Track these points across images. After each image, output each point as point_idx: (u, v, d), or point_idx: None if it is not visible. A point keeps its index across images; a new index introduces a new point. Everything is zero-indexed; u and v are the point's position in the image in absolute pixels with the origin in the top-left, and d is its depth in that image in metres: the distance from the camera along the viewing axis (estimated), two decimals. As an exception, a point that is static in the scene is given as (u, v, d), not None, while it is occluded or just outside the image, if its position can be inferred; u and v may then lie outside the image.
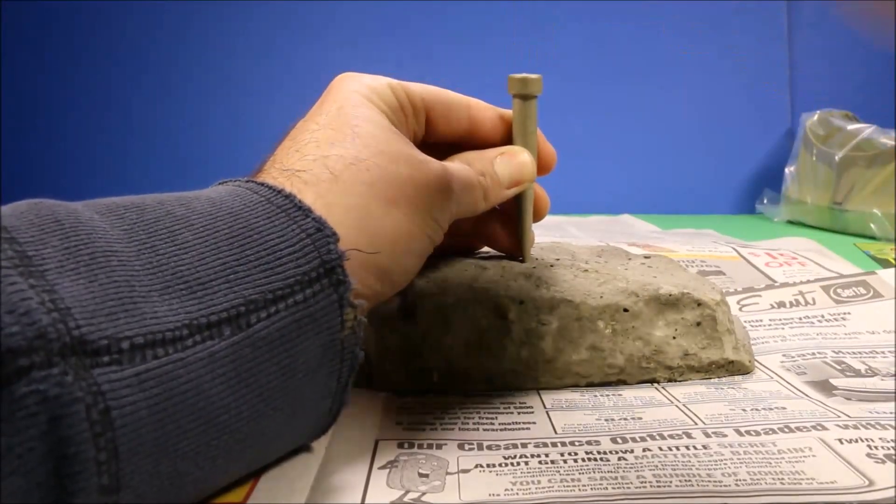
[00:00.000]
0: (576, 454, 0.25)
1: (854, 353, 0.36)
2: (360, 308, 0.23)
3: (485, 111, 0.31)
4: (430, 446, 0.26)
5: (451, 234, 0.29)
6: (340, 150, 0.25)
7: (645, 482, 0.23)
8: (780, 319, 0.42)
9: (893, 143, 0.78)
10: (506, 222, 0.34)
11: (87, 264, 0.18)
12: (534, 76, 0.32)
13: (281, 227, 0.22)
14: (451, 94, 0.30)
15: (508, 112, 0.32)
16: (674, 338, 0.33)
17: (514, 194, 0.31)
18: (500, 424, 0.28)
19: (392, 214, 0.25)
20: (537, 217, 0.34)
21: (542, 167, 0.33)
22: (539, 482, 0.23)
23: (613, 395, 0.31)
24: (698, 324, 0.33)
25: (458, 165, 0.29)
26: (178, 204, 0.22)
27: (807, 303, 0.43)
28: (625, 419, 0.29)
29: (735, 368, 0.33)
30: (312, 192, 0.23)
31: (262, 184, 0.23)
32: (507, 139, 0.32)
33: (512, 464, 0.25)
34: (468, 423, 0.28)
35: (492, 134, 0.32)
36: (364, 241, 0.24)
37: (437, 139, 0.30)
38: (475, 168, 0.29)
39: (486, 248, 0.37)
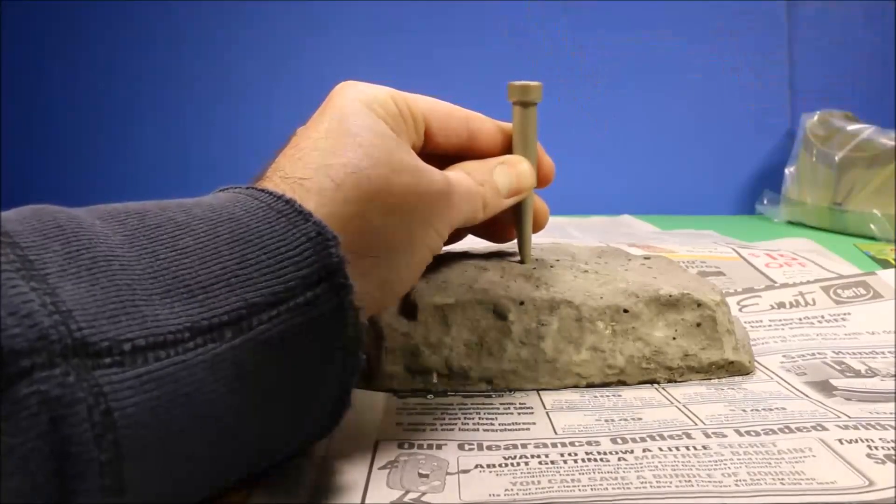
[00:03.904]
0: (576, 455, 0.25)
1: (854, 353, 0.36)
2: (362, 312, 0.23)
3: (484, 123, 0.31)
4: (430, 446, 0.26)
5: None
6: (342, 158, 0.25)
7: (645, 482, 0.23)
8: (780, 320, 0.42)
9: (893, 143, 0.78)
10: (498, 220, 0.34)
11: (88, 268, 0.18)
12: (534, 83, 0.32)
13: (282, 231, 0.22)
14: (450, 106, 0.30)
15: (508, 125, 0.32)
16: (674, 338, 0.33)
17: (513, 203, 0.32)
18: (500, 425, 0.28)
19: (393, 224, 0.25)
20: (536, 227, 0.35)
21: (541, 179, 0.33)
22: (539, 482, 0.24)
23: (613, 395, 0.31)
24: (698, 324, 0.33)
25: (459, 175, 0.29)
26: (179, 210, 0.22)
27: (807, 303, 0.43)
28: (625, 420, 0.29)
29: (735, 369, 0.33)
30: (314, 200, 0.23)
31: (263, 190, 0.23)
32: (506, 152, 0.32)
33: (512, 464, 0.25)
34: (468, 424, 0.28)
35: (491, 146, 0.32)
36: (365, 250, 0.24)
37: (436, 151, 0.30)
38: (475, 178, 0.29)
39: (483, 244, 0.37)
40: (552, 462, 0.25)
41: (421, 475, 0.24)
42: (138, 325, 0.18)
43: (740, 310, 0.44)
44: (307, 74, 1.00)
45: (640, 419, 0.29)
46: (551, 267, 0.35)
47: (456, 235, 0.35)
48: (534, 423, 0.28)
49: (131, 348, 0.18)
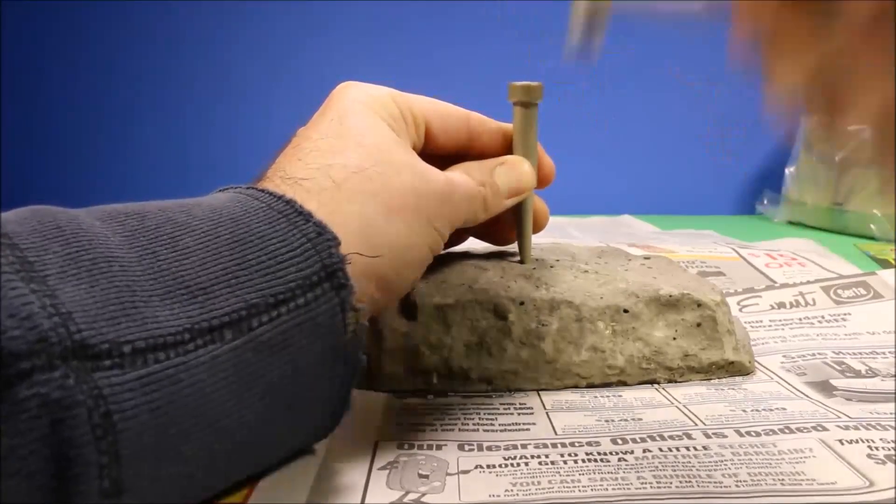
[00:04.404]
0: (576, 455, 0.25)
1: (854, 353, 0.36)
2: (362, 313, 0.23)
3: (484, 123, 0.31)
4: (429, 447, 0.26)
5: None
6: (343, 159, 0.25)
7: (645, 483, 0.23)
8: (781, 320, 0.42)
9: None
10: (499, 221, 0.34)
11: (88, 270, 0.18)
12: (535, 84, 0.32)
13: (282, 231, 0.22)
14: (450, 107, 0.30)
15: (508, 125, 0.32)
16: (674, 339, 0.33)
17: (514, 204, 0.32)
18: (500, 425, 0.28)
19: (394, 224, 0.25)
20: (537, 228, 0.35)
21: (541, 180, 0.33)
22: (539, 483, 0.24)
23: (613, 395, 0.31)
24: (698, 325, 0.33)
25: (459, 175, 0.29)
26: (178, 210, 0.22)
27: (807, 303, 0.43)
28: (625, 420, 0.29)
29: (735, 369, 0.33)
30: (315, 200, 0.23)
31: (263, 190, 0.23)
32: (507, 152, 0.32)
33: (512, 465, 0.25)
34: (468, 424, 0.28)
35: (491, 146, 0.32)
36: (365, 250, 0.24)
37: (436, 151, 0.30)
38: (475, 178, 0.29)
39: (483, 245, 0.37)
40: (552, 462, 0.25)
41: (421, 476, 0.24)
42: (138, 327, 0.18)
43: (740, 310, 0.44)
44: (307, 75, 1.00)
45: (641, 419, 0.29)
46: (551, 267, 0.35)
47: (457, 238, 0.35)
48: (534, 424, 0.28)
49: (131, 350, 0.18)
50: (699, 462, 0.25)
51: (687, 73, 1.01)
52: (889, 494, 0.22)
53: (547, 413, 0.29)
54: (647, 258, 0.39)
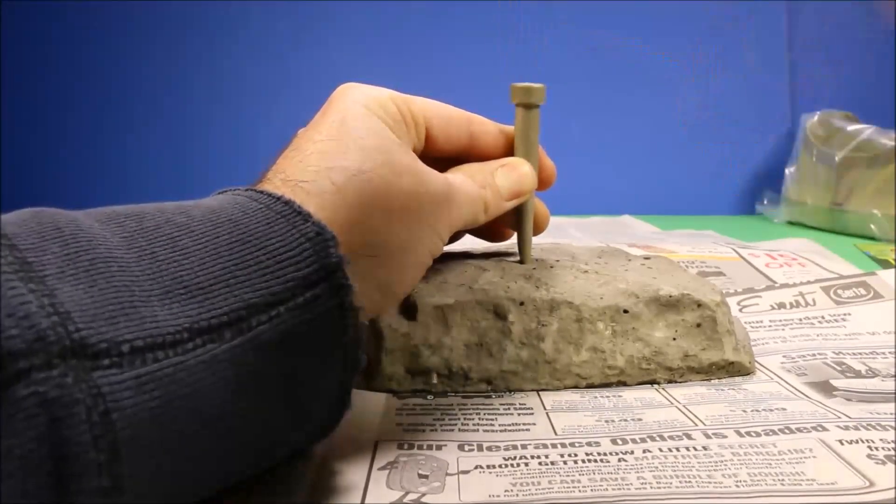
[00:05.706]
0: (576, 455, 0.25)
1: (854, 353, 0.36)
2: (362, 312, 0.23)
3: (485, 126, 0.31)
4: (429, 447, 0.26)
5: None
6: (344, 161, 0.24)
7: (645, 483, 0.23)
8: (781, 320, 0.42)
9: (893, 143, 0.78)
10: (499, 221, 0.34)
11: (86, 270, 0.18)
12: (537, 85, 0.32)
13: (281, 232, 0.22)
14: (451, 109, 0.30)
15: (508, 127, 0.32)
16: (674, 339, 0.33)
17: (514, 206, 0.32)
18: (499, 426, 0.28)
19: (394, 227, 0.25)
20: (537, 230, 0.35)
21: (541, 182, 0.33)
22: (539, 483, 0.23)
23: (613, 396, 0.31)
24: (698, 325, 0.33)
25: (460, 178, 0.29)
26: (177, 212, 0.22)
27: (807, 304, 0.43)
28: (625, 420, 0.29)
29: (735, 369, 0.33)
30: (315, 203, 0.23)
31: (262, 192, 0.23)
32: (507, 154, 0.32)
33: (512, 465, 0.25)
34: (468, 425, 0.28)
35: (492, 148, 0.31)
36: (365, 252, 0.24)
37: (437, 154, 0.30)
38: (476, 180, 0.29)
39: (482, 244, 0.37)
40: (552, 463, 0.25)
41: (421, 476, 0.24)
42: (137, 327, 0.18)
43: (740, 310, 0.44)
44: (307, 76, 1.00)
45: (641, 420, 0.29)
46: (551, 267, 0.35)
47: (455, 235, 0.35)
48: (534, 424, 0.28)
49: (130, 349, 0.18)
50: (699, 462, 0.25)
51: (687, 73, 1.01)
52: (889, 495, 0.22)
53: (547, 413, 0.29)
54: (647, 258, 0.39)
